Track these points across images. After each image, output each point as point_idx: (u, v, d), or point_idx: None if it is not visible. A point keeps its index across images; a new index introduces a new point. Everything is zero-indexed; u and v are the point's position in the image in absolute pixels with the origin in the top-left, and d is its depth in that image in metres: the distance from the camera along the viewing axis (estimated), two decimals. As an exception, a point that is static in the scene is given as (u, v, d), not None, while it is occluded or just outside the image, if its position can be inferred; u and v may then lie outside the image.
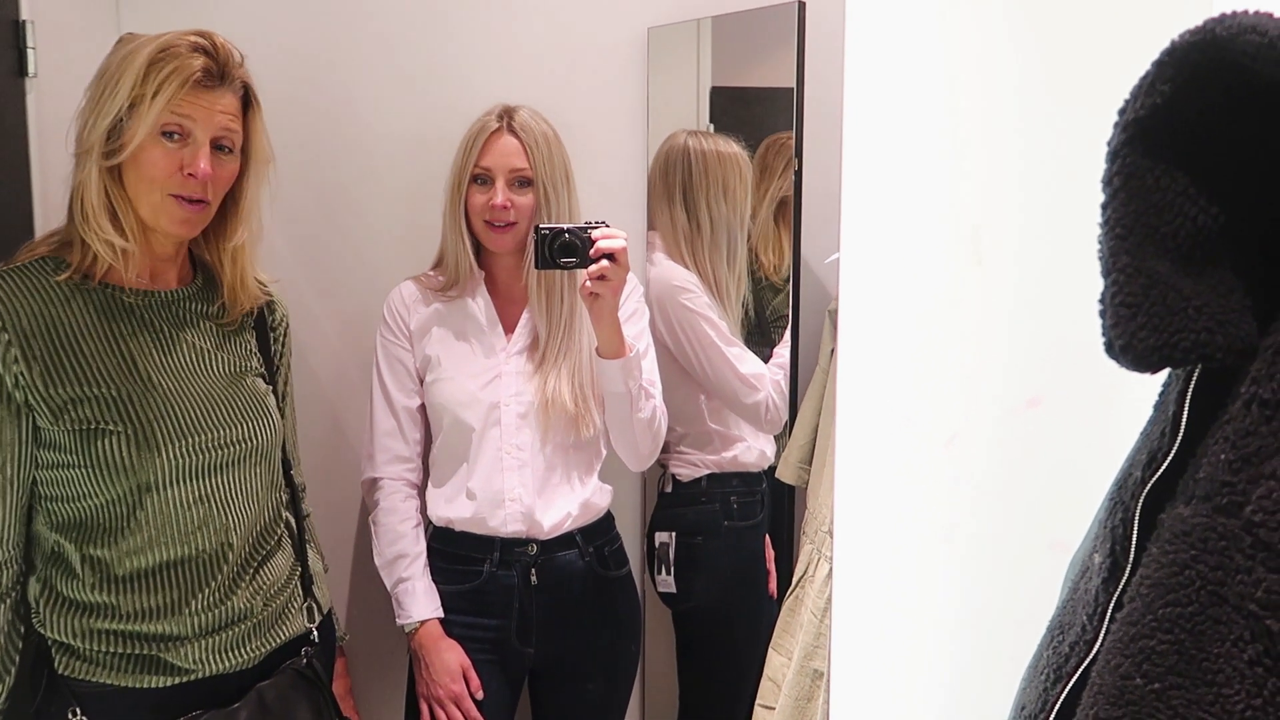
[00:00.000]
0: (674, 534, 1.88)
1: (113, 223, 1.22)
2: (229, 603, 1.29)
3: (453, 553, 1.64)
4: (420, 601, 1.61)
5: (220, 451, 1.29)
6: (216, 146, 1.26)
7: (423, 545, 1.66)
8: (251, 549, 1.33)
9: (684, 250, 1.81)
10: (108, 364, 1.23)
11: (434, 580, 1.63)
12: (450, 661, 1.59)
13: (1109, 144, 0.55)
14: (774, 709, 1.38)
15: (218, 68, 1.24)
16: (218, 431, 1.29)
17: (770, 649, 1.47)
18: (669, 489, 1.89)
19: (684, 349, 1.80)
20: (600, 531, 1.70)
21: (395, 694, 1.74)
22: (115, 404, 1.22)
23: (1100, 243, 0.56)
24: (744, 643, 1.83)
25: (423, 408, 1.69)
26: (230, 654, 1.30)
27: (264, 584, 1.34)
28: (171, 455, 1.24)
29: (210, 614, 1.28)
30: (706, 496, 1.86)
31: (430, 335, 1.66)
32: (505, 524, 1.61)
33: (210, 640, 1.28)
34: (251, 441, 1.32)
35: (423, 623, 1.60)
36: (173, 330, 1.30)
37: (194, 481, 1.26)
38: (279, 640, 1.36)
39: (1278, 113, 0.50)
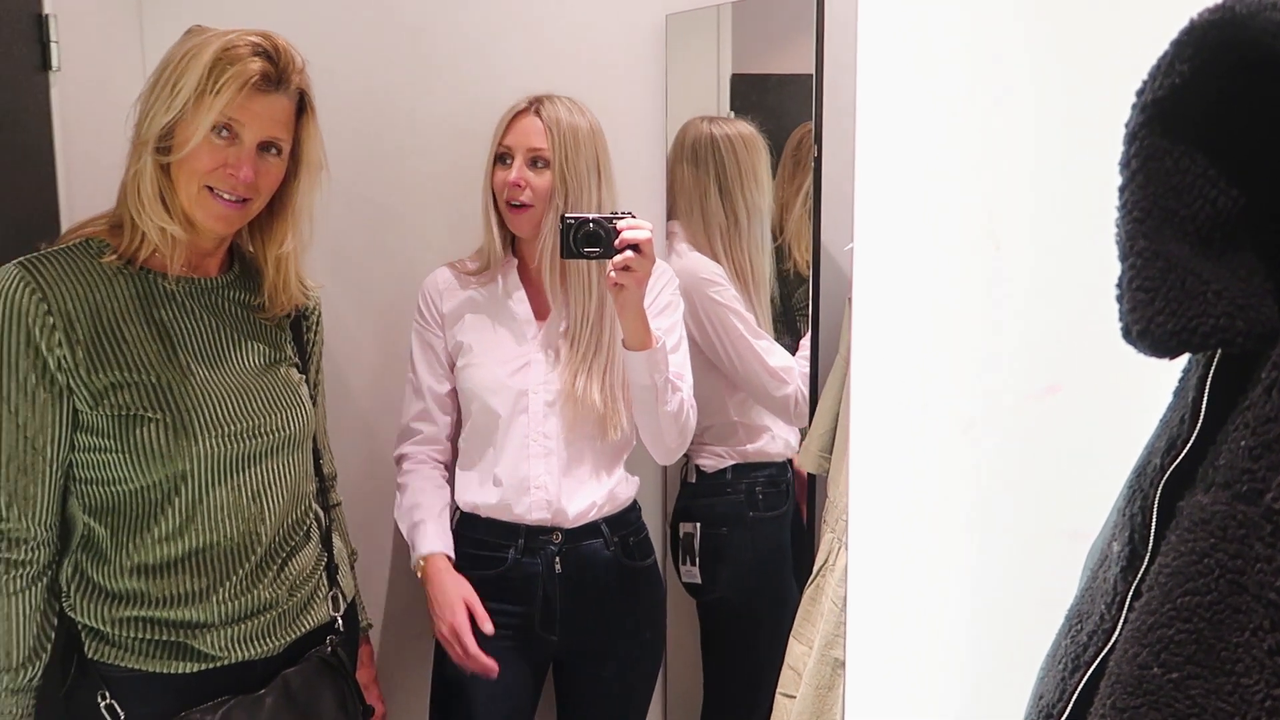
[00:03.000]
0: (699, 525, 1.88)
1: (165, 210, 1.23)
2: (255, 591, 1.31)
3: (478, 539, 1.65)
4: (429, 537, 1.60)
5: (254, 441, 1.30)
6: (264, 148, 1.27)
7: (443, 499, 1.66)
8: (281, 539, 1.35)
9: (715, 241, 1.79)
10: (148, 350, 1.24)
11: (459, 565, 1.64)
12: (451, 593, 1.56)
13: (1127, 125, 0.54)
14: (795, 697, 1.38)
15: (276, 72, 1.24)
16: (252, 421, 1.30)
17: (791, 637, 1.47)
18: (693, 479, 1.89)
19: (711, 342, 1.79)
20: (626, 522, 1.70)
21: (423, 684, 1.75)
22: (154, 391, 1.23)
23: (1118, 226, 0.55)
24: (768, 633, 1.82)
25: (454, 392, 1.70)
26: (256, 642, 1.31)
27: (291, 573, 1.36)
28: (207, 445, 1.25)
29: (237, 602, 1.29)
30: (731, 487, 1.86)
31: (463, 321, 1.67)
32: (530, 511, 1.62)
33: (236, 628, 1.29)
34: (285, 431, 1.34)
35: (428, 557, 1.59)
36: (210, 319, 1.31)
37: (227, 471, 1.28)
38: (304, 629, 1.37)
39: (1299, 92, 0.49)
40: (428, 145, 1.83)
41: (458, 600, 1.56)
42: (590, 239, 1.48)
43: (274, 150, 1.28)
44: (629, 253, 1.46)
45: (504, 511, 1.63)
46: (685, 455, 1.84)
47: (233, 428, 1.27)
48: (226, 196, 1.24)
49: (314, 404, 1.44)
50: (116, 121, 1.28)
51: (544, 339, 1.64)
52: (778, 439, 1.85)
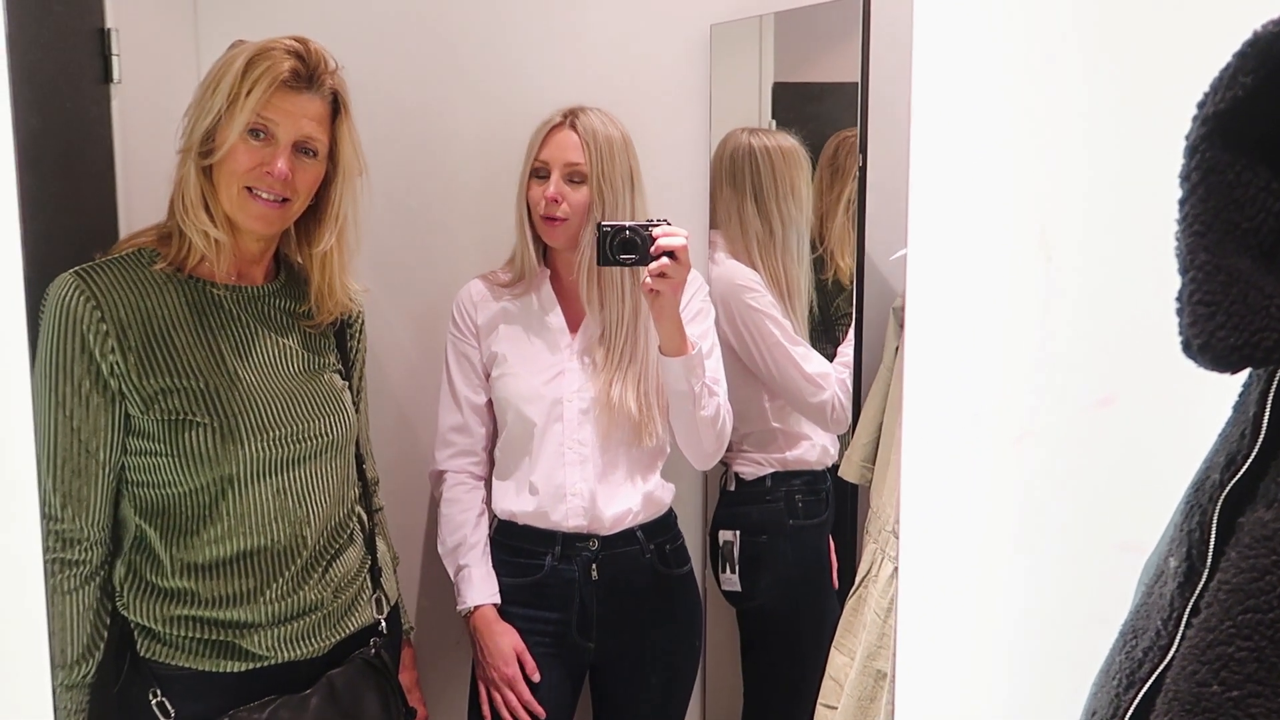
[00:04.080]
0: (738, 532, 1.87)
1: (208, 215, 1.26)
2: (301, 593, 1.33)
3: (515, 545, 1.67)
4: (477, 587, 1.64)
5: (299, 446, 1.32)
6: (301, 150, 1.29)
7: (483, 533, 1.69)
8: (326, 542, 1.37)
9: (753, 250, 1.80)
10: (197, 357, 1.27)
11: (497, 572, 1.66)
12: (504, 645, 1.61)
13: (1187, 138, 0.54)
14: (836, 709, 1.38)
15: (307, 71, 1.27)
16: (297, 426, 1.32)
17: (833, 648, 1.46)
18: (732, 487, 1.89)
19: (748, 348, 1.79)
20: (663, 529, 1.71)
21: (462, 684, 1.77)
22: (203, 396, 1.26)
23: (1178, 239, 0.55)
24: (808, 642, 1.82)
25: (490, 403, 1.71)
26: (302, 642, 1.33)
27: (335, 576, 1.38)
28: (253, 449, 1.28)
29: (284, 603, 1.31)
30: (771, 495, 1.85)
31: (497, 332, 1.68)
32: (567, 519, 1.63)
33: (283, 628, 1.31)
34: (328, 436, 1.36)
35: (478, 608, 1.63)
36: (257, 325, 1.34)
37: (273, 475, 1.30)
38: (348, 630, 1.39)
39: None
40: (468, 154, 1.85)
41: (511, 653, 1.61)
42: (626, 246, 1.50)
43: (310, 152, 1.30)
44: (665, 260, 1.48)
45: (541, 519, 1.64)
46: (724, 463, 1.84)
47: (278, 432, 1.30)
48: (265, 196, 1.27)
49: (357, 410, 1.46)
50: (173, 133, 1.32)
51: (578, 348, 1.66)
52: (816, 446, 1.84)
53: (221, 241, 1.28)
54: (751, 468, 1.85)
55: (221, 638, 1.28)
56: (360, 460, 1.49)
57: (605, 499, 1.63)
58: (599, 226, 1.52)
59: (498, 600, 1.64)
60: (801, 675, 1.80)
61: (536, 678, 1.61)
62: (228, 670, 1.29)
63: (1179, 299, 0.54)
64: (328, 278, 1.37)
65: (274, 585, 1.30)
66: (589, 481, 1.63)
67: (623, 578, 1.65)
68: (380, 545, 1.52)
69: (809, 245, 1.81)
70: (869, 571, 1.39)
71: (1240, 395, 0.59)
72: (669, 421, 1.65)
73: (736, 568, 1.86)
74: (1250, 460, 0.55)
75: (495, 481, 1.71)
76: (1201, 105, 0.54)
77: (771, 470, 1.85)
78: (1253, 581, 0.52)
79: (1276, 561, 0.51)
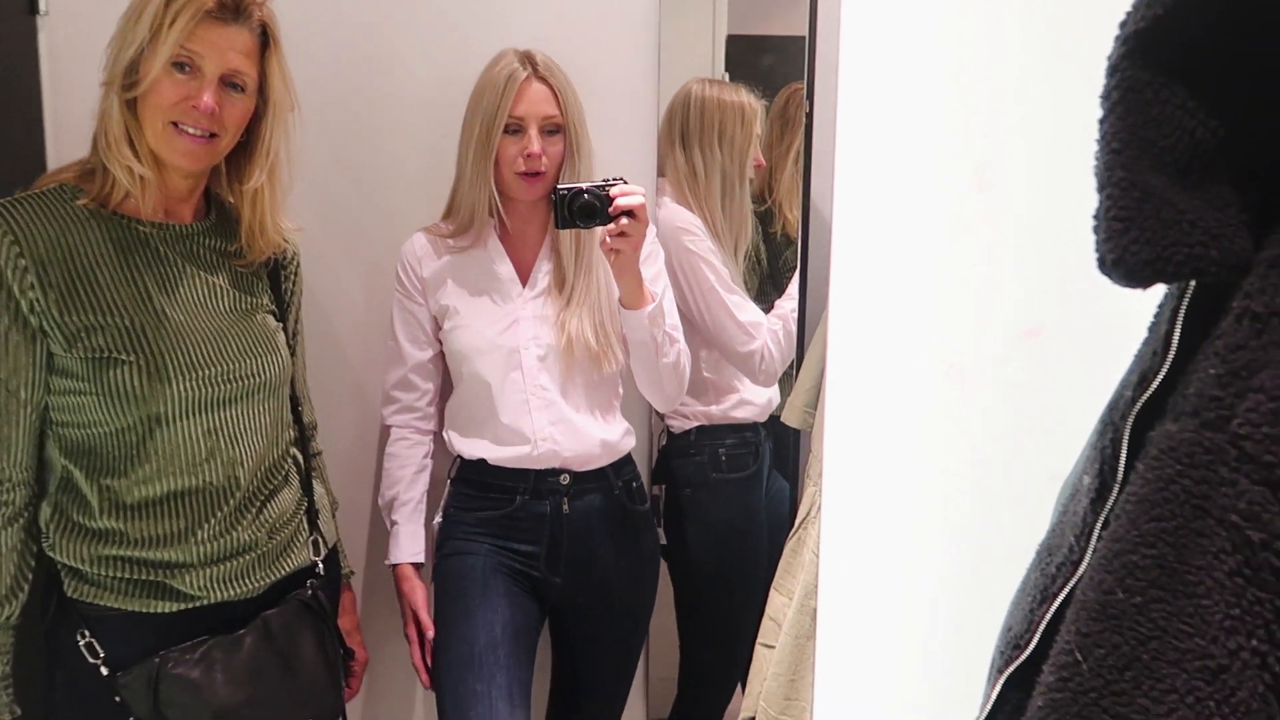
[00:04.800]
0: (664, 486, 1.91)
1: (132, 151, 1.23)
2: (234, 533, 1.31)
3: (486, 483, 1.68)
4: (402, 545, 1.67)
5: (229, 386, 1.30)
6: (229, 85, 1.25)
7: (418, 490, 1.71)
8: (259, 483, 1.35)
9: (687, 194, 1.82)
10: (122, 294, 1.24)
11: (467, 508, 1.68)
12: (405, 604, 1.66)
13: (1109, 58, 0.54)
14: (774, 648, 1.40)
15: (234, 2, 1.23)
16: (227, 365, 1.30)
17: (772, 589, 1.48)
18: (663, 442, 1.91)
19: (683, 291, 1.81)
20: (627, 466, 1.74)
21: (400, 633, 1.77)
22: (128, 334, 1.23)
23: (1097, 158, 0.55)
24: (737, 591, 1.86)
25: (436, 359, 1.71)
26: (235, 583, 1.32)
27: (270, 517, 1.36)
28: (182, 388, 1.25)
29: (216, 543, 1.30)
30: (695, 449, 1.88)
31: (445, 286, 1.67)
32: (537, 460, 1.64)
33: (216, 569, 1.30)
34: (260, 377, 1.34)
35: (396, 565, 1.67)
36: (185, 264, 1.31)
37: (203, 414, 1.28)
38: (284, 571, 1.39)
39: None
40: (419, 102, 1.82)
41: (409, 612, 1.66)
42: (585, 208, 1.50)
43: (238, 86, 1.26)
44: (624, 219, 1.48)
45: (513, 462, 1.65)
46: (659, 415, 1.86)
47: (208, 371, 1.27)
48: (192, 131, 1.23)
49: (292, 352, 1.44)
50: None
51: (529, 295, 1.65)
52: (747, 402, 1.86)
53: (147, 178, 1.24)
54: (680, 421, 1.88)
55: (152, 578, 1.27)
56: (296, 403, 1.47)
57: (574, 438, 1.65)
58: (555, 190, 1.51)
59: (420, 560, 1.67)
60: (734, 623, 1.84)
61: (430, 634, 1.63)
62: (159, 611, 1.27)
63: (1096, 216, 0.54)
64: (259, 216, 1.34)
65: (206, 525, 1.29)
66: (557, 423, 1.64)
67: (592, 514, 1.68)
68: (318, 488, 1.51)
69: (744, 194, 1.82)
70: (808, 513, 1.41)
71: (1155, 316, 0.60)
72: (629, 361, 1.67)
73: (662, 521, 1.89)
74: (1160, 377, 0.56)
75: (454, 434, 1.71)
76: (1123, 25, 0.54)
77: (697, 424, 1.87)
78: (1158, 491, 0.53)
79: (1180, 471, 0.52)
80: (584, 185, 1.50)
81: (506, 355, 1.63)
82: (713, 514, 1.90)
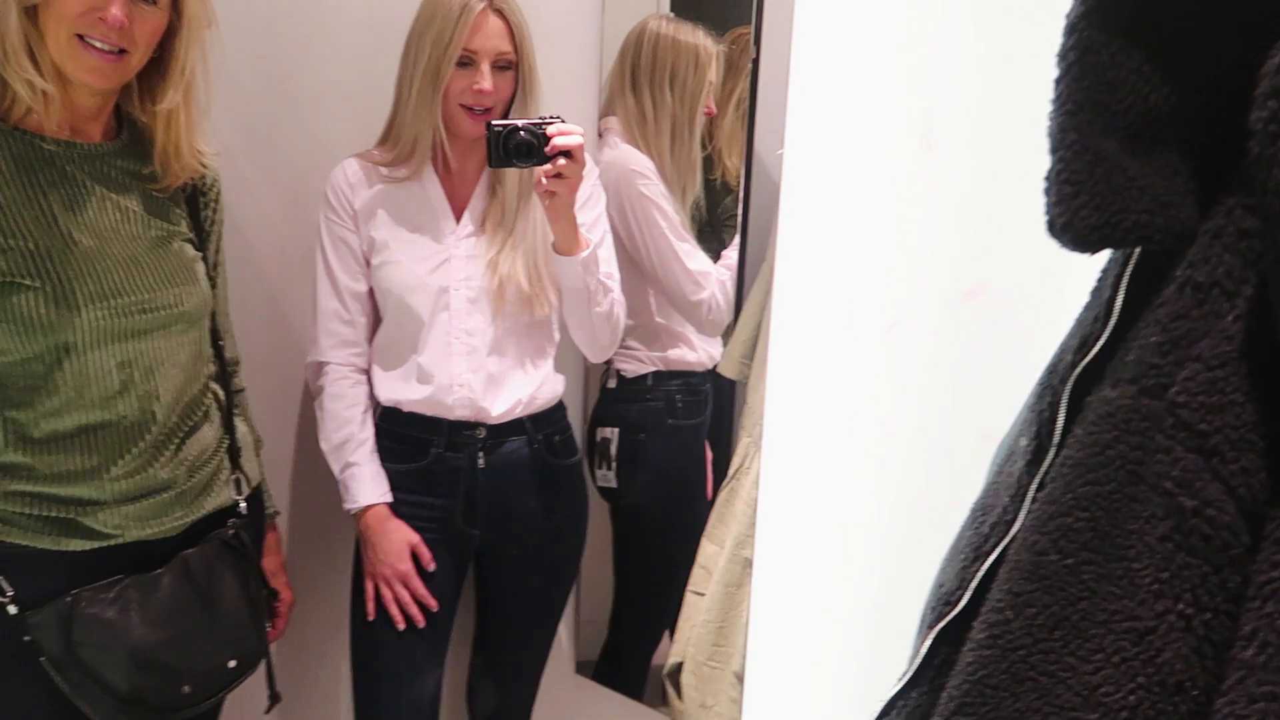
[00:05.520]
0: (617, 430, 1.89)
1: (33, 63, 1.15)
2: (151, 470, 1.27)
3: (401, 433, 1.64)
4: (367, 486, 1.60)
5: (144, 316, 1.24)
6: None
7: (370, 430, 1.64)
8: (178, 420, 1.30)
9: (637, 136, 1.78)
10: (25, 215, 1.17)
11: (381, 457, 1.62)
12: (397, 541, 1.59)
13: (1067, 17, 0.54)
14: (704, 595, 1.41)
15: None
16: (142, 295, 1.24)
17: (704, 538, 1.50)
18: (613, 384, 1.89)
19: (634, 236, 1.77)
20: (551, 420, 1.70)
21: (338, 574, 1.74)
22: (33, 258, 1.16)
23: (1050, 119, 0.55)
24: (680, 536, 1.85)
25: (370, 291, 1.65)
26: (152, 521, 1.28)
27: (189, 455, 1.32)
28: (91, 316, 1.19)
29: (131, 480, 1.25)
30: (651, 394, 1.87)
31: (376, 217, 1.61)
32: (454, 409, 1.60)
33: (131, 507, 1.26)
34: (177, 308, 1.28)
35: (370, 507, 1.60)
36: (96, 186, 1.24)
37: (115, 345, 1.22)
38: (204, 510, 1.35)
39: (1240, -12, 0.49)
40: (348, 14, 1.74)
41: (404, 549, 1.59)
42: (521, 146, 1.44)
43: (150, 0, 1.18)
44: (561, 160, 1.43)
45: (427, 408, 1.61)
46: (607, 360, 1.84)
47: (120, 300, 1.22)
48: (100, 46, 1.15)
49: (213, 284, 1.38)
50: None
51: (463, 234, 1.61)
52: (698, 348, 1.85)
53: (50, 93, 1.16)
54: (634, 365, 1.85)
55: (62, 515, 1.22)
56: (217, 337, 1.41)
57: (494, 388, 1.61)
58: (489, 126, 1.45)
59: (389, 499, 1.61)
60: (672, 569, 1.85)
61: (431, 568, 1.59)
62: (71, 549, 1.23)
63: (1047, 178, 0.54)
64: (173, 138, 1.27)
65: (120, 462, 1.24)
66: (477, 371, 1.60)
67: (510, 467, 1.65)
68: (240, 426, 1.46)
69: (693, 140, 1.79)
70: (741, 464, 1.42)
71: (1098, 280, 0.60)
72: (562, 308, 1.63)
73: (613, 465, 1.88)
74: (1101, 342, 0.56)
75: (378, 371, 1.66)
76: (1083, -16, 0.53)
77: (653, 369, 1.85)
78: (1094, 456, 0.53)
79: (1117, 437, 0.52)
80: (519, 122, 1.44)
81: (435, 295, 1.58)
82: (665, 460, 1.89)
